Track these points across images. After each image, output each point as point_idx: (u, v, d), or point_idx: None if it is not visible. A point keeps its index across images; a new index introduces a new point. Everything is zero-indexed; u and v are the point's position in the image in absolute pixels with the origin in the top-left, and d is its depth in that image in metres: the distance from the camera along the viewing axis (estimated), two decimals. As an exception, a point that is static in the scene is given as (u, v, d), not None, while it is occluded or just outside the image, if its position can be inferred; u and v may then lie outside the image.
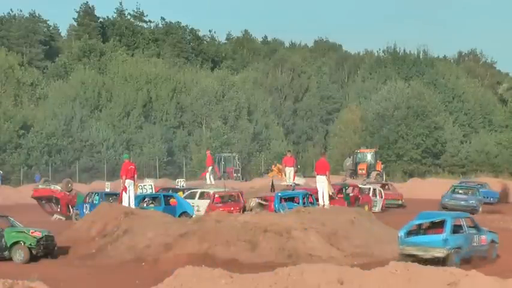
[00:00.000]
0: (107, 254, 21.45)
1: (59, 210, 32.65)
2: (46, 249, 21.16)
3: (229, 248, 20.21)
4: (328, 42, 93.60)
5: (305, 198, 27.62)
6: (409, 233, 19.13)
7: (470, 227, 19.36)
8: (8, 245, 20.79)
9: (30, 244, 20.73)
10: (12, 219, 22.18)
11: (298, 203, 26.97)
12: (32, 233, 20.96)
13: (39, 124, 60.13)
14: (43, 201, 33.36)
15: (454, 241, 18.51)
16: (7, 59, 68.80)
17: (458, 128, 67.98)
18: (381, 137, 63.33)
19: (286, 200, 27.85)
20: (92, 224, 23.25)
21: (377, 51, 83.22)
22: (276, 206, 27.24)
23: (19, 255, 20.77)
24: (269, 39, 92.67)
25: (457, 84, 72.78)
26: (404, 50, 75.16)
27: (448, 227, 18.58)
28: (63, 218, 31.99)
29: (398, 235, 19.02)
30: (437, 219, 19.27)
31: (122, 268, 19.81)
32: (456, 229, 18.92)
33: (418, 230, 19.44)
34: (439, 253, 18.10)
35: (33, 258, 20.88)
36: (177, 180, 33.82)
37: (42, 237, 20.91)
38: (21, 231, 21.06)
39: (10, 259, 20.81)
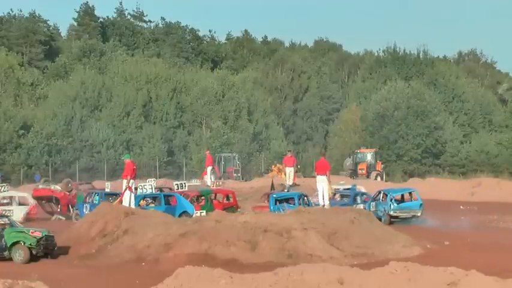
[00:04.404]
0: (107, 254, 21.43)
1: (59, 210, 32.64)
2: (46, 249, 21.14)
3: (229, 248, 20.18)
4: (328, 42, 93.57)
5: (301, 200, 27.54)
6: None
7: None
8: (8, 245, 20.78)
9: (30, 244, 20.72)
10: (12, 219, 22.18)
11: (294, 205, 26.85)
12: (32, 233, 20.93)
13: (39, 124, 60.14)
14: (43, 201, 33.33)
15: None
16: (7, 59, 68.83)
17: (458, 128, 67.95)
18: (381, 137, 63.31)
19: (281, 201, 27.75)
20: (92, 224, 23.21)
21: (377, 51, 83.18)
22: (272, 208, 27.11)
23: (19, 255, 20.75)
24: (269, 39, 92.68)
25: (457, 84, 72.73)
26: (404, 50, 75.09)
27: None
28: (63, 218, 31.97)
29: None
30: None
31: (122, 268, 19.79)
32: None
33: None
34: None
35: (33, 258, 20.87)
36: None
37: (42, 237, 20.89)
38: (21, 231, 21.05)
39: (10, 259, 20.79)
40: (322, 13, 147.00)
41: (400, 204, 29.14)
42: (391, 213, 28.57)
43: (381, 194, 29.98)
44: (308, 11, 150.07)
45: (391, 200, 28.78)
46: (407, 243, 21.85)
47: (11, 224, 21.70)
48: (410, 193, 30.43)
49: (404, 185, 44.69)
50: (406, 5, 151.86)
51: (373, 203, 29.76)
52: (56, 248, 21.65)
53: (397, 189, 32.80)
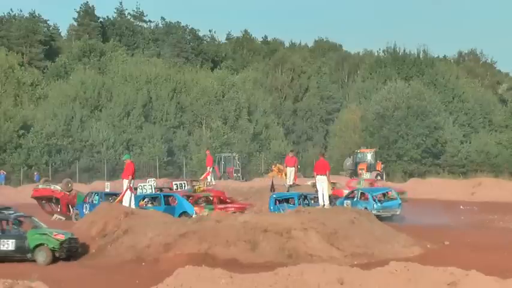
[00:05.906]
0: (107, 254, 21.42)
1: (59, 210, 32.62)
2: (69, 252, 21.02)
3: (229, 248, 20.17)
4: (328, 42, 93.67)
5: (300, 200, 27.54)
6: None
7: None
8: (32, 247, 20.67)
9: (53, 247, 20.59)
10: (36, 219, 22.05)
11: (294, 205, 26.86)
12: (55, 235, 20.76)
13: (39, 124, 60.17)
14: (43, 201, 33.31)
15: None
16: (7, 59, 68.87)
17: (458, 128, 67.96)
18: (381, 137, 63.30)
19: (281, 201, 27.73)
20: (92, 224, 23.20)
21: (377, 51, 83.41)
22: (271, 208, 27.09)
23: (42, 257, 20.60)
24: (269, 39, 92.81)
25: (457, 84, 72.76)
26: (404, 50, 75.16)
27: None
28: (63, 218, 31.95)
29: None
30: None
31: (122, 268, 19.78)
32: None
33: None
34: None
35: (55, 259, 20.79)
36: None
37: (65, 240, 20.73)
38: (44, 233, 20.86)
39: (33, 261, 20.67)
40: (322, 13, 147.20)
41: (383, 204, 29.91)
42: (374, 212, 28.82)
43: (358, 193, 30.52)
44: (308, 11, 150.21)
45: (374, 200, 29.52)
46: (407, 243, 21.83)
47: (35, 226, 21.59)
48: (387, 192, 31.58)
49: (404, 185, 44.81)
50: (406, 5, 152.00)
51: (347, 201, 29.93)
52: (78, 250, 21.54)
53: (376, 188, 33.97)
